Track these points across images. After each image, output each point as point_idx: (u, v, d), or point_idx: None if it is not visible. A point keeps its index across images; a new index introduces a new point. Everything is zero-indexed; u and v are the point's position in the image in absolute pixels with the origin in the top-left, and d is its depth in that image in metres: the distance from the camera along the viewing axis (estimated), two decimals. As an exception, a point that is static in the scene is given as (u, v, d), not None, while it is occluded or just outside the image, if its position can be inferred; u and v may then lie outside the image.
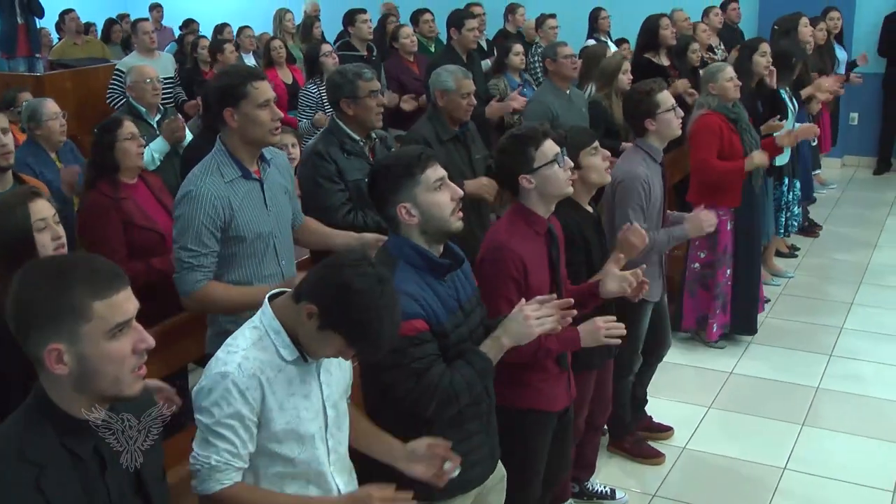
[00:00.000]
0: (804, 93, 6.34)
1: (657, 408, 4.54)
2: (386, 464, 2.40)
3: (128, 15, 10.79)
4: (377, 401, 2.56)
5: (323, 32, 8.91)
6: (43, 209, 2.67)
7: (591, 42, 7.65)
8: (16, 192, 3.04)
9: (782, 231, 6.37)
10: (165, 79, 6.21)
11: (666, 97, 3.90)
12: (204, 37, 8.21)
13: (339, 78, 3.89)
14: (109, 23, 10.75)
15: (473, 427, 2.62)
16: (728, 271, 5.18)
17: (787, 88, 5.95)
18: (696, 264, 5.19)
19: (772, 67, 5.63)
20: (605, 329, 2.82)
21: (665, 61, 6.61)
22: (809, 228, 7.36)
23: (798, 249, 7.04)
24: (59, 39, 10.02)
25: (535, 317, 2.50)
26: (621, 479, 4.13)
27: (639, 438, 4.35)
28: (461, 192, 2.57)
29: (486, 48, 7.93)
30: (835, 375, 5.05)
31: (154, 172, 4.50)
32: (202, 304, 3.02)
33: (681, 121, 3.96)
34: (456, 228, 2.53)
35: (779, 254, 6.78)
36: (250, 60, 7.92)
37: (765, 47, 5.60)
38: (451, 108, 4.22)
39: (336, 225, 3.58)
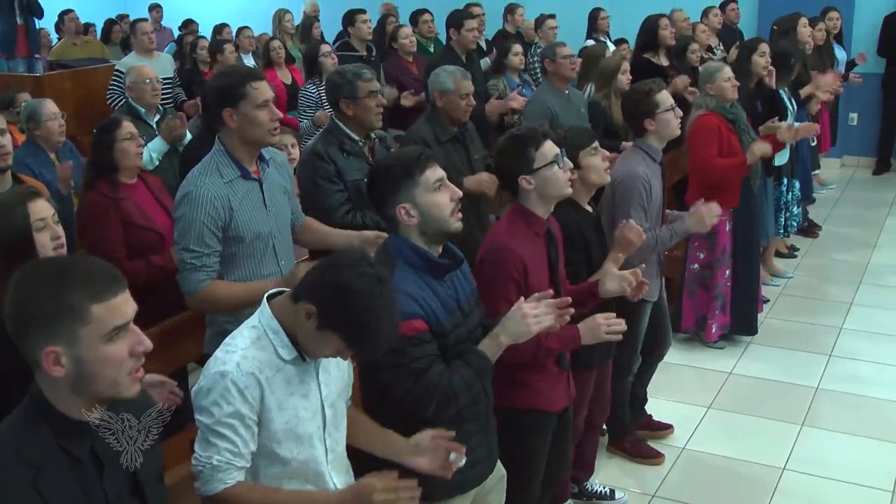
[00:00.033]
0: (803, 92, 6.33)
1: (657, 408, 4.55)
2: (385, 461, 2.39)
3: (127, 15, 10.78)
4: (376, 401, 2.56)
5: (322, 33, 8.91)
6: (42, 209, 2.67)
7: (591, 42, 7.67)
8: (15, 192, 3.04)
9: (782, 231, 6.37)
10: (165, 79, 6.20)
11: (665, 97, 3.90)
12: (203, 37, 8.22)
13: (339, 78, 3.89)
14: (109, 23, 10.75)
15: (472, 427, 2.62)
16: (727, 272, 5.18)
17: (786, 89, 5.95)
18: (696, 265, 5.18)
19: (771, 68, 5.63)
20: (606, 326, 2.81)
21: (664, 62, 6.62)
22: (809, 229, 7.36)
23: (797, 250, 7.03)
24: (59, 40, 10.02)
25: (532, 315, 2.50)
26: (621, 480, 4.13)
27: (638, 438, 4.34)
28: (460, 193, 2.57)
29: (485, 48, 7.92)
30: (834, 376, 5.05)
31: (153, 172, 4.50)
32: (207, 303, 3.03)
33: (679, 121, 3.96)
34: (455, 229, 2.53)
35: (778, 254, 6.78)
36: (249, 61, 7.91)
37: (764, 47, 5.60)
38: (450, 108, 4.21)
39: (335, 225, 3.58)
